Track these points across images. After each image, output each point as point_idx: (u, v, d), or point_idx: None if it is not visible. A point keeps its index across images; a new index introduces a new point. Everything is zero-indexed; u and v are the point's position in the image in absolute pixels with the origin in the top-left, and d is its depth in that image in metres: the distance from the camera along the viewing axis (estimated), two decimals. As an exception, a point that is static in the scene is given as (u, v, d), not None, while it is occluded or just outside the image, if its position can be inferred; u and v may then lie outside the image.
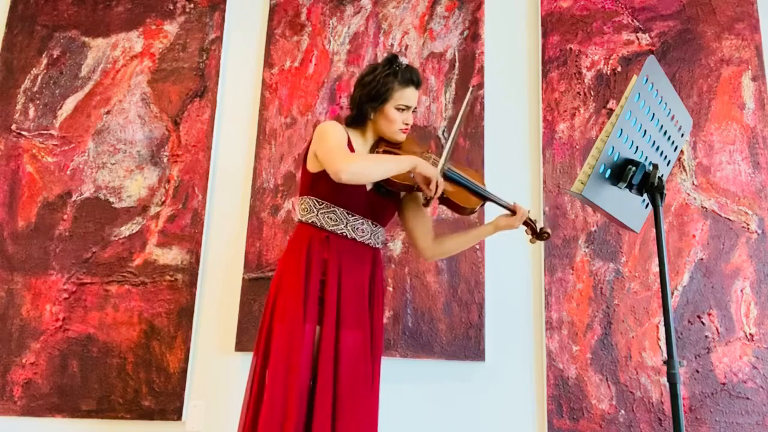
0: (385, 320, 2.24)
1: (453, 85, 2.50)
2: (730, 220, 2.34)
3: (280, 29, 2.59)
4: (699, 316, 2.26)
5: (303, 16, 2.60)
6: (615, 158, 1.31)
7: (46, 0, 2.66)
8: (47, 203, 2.45)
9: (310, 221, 1.70)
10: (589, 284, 2.31)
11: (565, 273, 2.32)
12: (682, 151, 2.39)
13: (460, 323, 2.29)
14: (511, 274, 2.36)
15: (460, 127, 1.73)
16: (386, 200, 1.78)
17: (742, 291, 2.27)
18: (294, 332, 1.58)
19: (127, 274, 2.37)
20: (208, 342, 2.34)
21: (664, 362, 1.24)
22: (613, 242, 2.34)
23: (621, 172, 1.32)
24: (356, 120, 1.77)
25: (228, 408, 2.26)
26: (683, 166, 2.39)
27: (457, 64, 2.52)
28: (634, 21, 2.54)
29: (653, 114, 1.37)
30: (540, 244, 2.35)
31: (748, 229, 2.32)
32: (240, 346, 2.29)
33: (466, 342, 2.27)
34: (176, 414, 2.25)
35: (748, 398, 2.18)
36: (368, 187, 1.73)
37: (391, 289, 2.32)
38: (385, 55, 1.78)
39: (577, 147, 2.43)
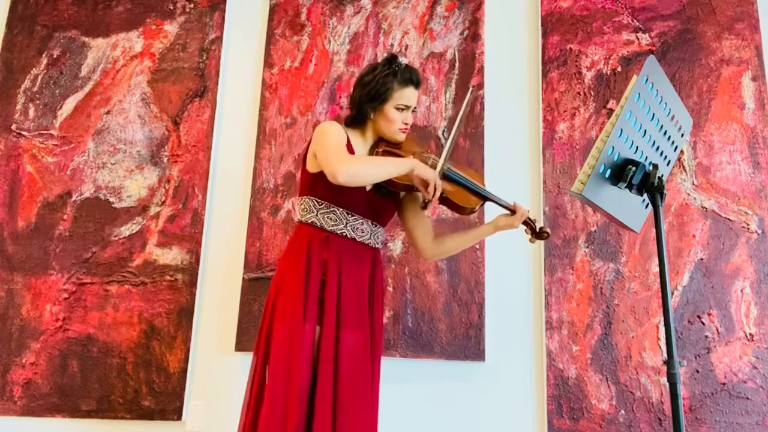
0: (385, 320, 2.24)
1: (453, 85, 2.50)
2: (730, 220, 2.34)
3: (280, 29, 2.59)
4: (699, 316, 2.26)
5: (303, 16, 2.60)
6: (615, 158, 1.31)
7: (46, 0, 2.66)
8: (47, 203, 2.45)
9: (309, 221, 1.70)
10: (589, 284, 2.31)
11: (565, 273, 2.32)
12: (682, 151, 2.39)
13: (460, 323, 2.29)
14: (511, 274, 2.36)
15: (460, 127, 1.73)
16: (386, 200, 1.78)
17: (742, 291, 2.27)
18: (294, 332, 1.58)
19: (127, 274, 2.37)
20: (208, 342, 2.34)
21: (664, 362, 1.24)
22: (613, 242, 2.34)
23: (621, 172, 1.32)
24: (356, 120, 1.77)
25: (228, 408, 2.26)
26: (683, 166, 2.39)
27: (457, 64, 2.52)
28: (634, 21, 2.54)
29: (653, 114, 1.37)
30: (540, 244, 2.34)
31: (748, 229, 2.32)
32: (240, 346, 2.29)
33: (466, 342, 2.27)
34: (176, 414, 2.25)
35: (748, 398, 2.18)
36: (368, 187, 1.73)
37: (391, 289, 2.32)
38: (385, 55, 1.78)
39: (577, 147, 2.43)
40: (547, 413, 2.20)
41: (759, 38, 2.49)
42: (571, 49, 2.52)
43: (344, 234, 1.69)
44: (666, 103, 1.40)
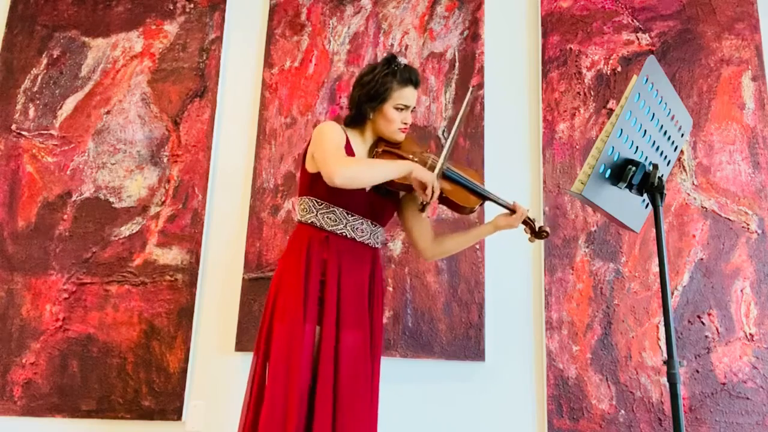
0: (385, 320, 2.24)
1: (453, 85, 2.50)
2: (730, 220, 2.33)
3: (280, 29, 2.59)
4: (699, 316, 2.26)
5: (303, 16, 2.60)
6: (615, 158, 1.31)
7: (46, 0, 2.66)
8: (47, 203, 2.45)
9: (309, 221, 1.70)
10: (589, 284, 2.31)
11: (565, 273, 2.32)
12: (682, 151, 2.39)
13: (460, 323, 2.29)
14: (511, 274, 2.36)
15: (460, 127, 1.73)
16: (386, 200, 1.78)
17: (742, 291, 2.27)
18: (294, 332, 1.58)
19: (127, 274, 2.37)
20: (208, 342, 2.34)
21: (664, 362, 1.24)
22: (613, 242, 2.34)
23: (621, 172, 1.32)
24: (355, 120, 1.77)
25: (228, 408, 2.26)
26: (683, 166, 2.39)
27: (457, 64, 2.52)
28: (634, 21, 2.54)
29: (653, 114, 1.37)
30: (540, 244, 2.34)
31: (748, 229, 2.32)
32: (240, 346, 2.29)
33: (466, 342, 2.27)
34: (176, 414, 2.25)
35: (748, 398, 2.18)
36: (367, 188, 1.73)
37: (391, 289, 2.32)
38: (385, 55, 1.78)
39: (577, 147, 2.43)
40: (547, 413, 2.20)
41: (759, 38, 2.49)
42: (571, 49, 2.52)
43: (344, 234, 1.69)
44: (666, 103, 1.40)
